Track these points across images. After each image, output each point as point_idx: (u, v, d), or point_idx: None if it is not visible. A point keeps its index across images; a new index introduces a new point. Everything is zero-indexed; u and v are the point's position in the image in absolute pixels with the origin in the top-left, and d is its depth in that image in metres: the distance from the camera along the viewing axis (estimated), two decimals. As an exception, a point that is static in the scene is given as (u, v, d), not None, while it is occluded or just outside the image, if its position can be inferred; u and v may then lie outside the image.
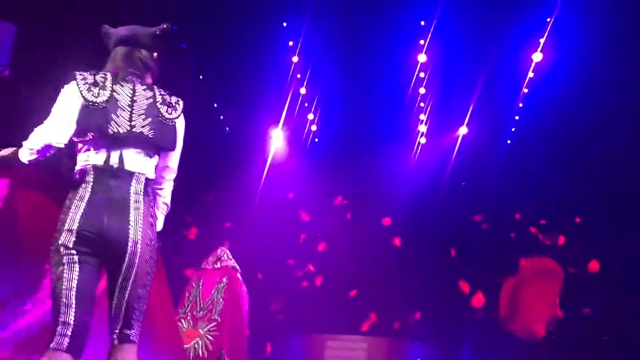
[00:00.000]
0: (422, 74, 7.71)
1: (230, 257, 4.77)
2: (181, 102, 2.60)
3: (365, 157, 8.09)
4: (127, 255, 2.36)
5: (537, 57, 7.28)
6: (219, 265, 4.70)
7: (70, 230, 2.33)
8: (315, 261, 8.01)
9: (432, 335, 7.42)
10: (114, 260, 2.38)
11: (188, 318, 4.51)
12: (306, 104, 7.98)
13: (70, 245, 2.33)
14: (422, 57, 7.53)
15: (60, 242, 2.34)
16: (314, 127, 8.21)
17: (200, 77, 6.71)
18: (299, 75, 7.68)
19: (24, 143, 2.46)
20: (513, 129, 7.99)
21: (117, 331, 2.39)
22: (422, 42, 7.40)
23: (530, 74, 7.47)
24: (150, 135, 2.46)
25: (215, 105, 7.39)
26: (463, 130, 8.01)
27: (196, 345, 4.43)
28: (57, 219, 2.40)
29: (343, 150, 8.13)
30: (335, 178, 8.00)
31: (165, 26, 2.64)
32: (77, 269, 2.32)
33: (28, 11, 5.82)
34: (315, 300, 7.69)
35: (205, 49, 7.06)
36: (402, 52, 7.49)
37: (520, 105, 7.78)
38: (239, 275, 4.73)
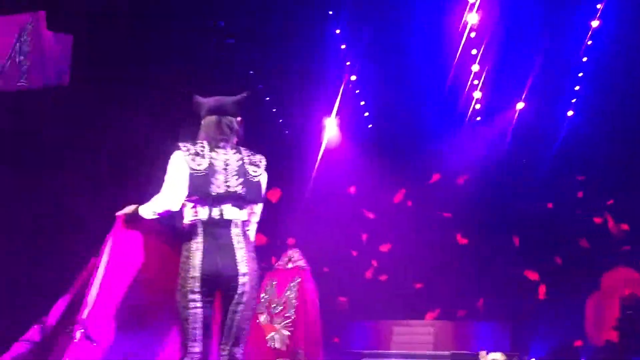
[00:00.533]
0: (474, 51, 7.52)
1: (301, 257, 5.00)
2: (264, 160, 3.13)
3: (420, 140, 7.96)
4: (239, 286, 2.94)
5: (595, 23, 7.05)
6: (290, 265, 4.95)
7: (194, 277, 2.90)
8: (378, 255, 7.96)
9: (501, 319, 7.30)
10: (229, 291, 2.95)
11: (265, 314, 4.87)
12: (357, 91, 7.91)
13: (197, 290, 2.90)
14: (473, 34, 7.35)
15: (188, 288, 2.90)
16: (366, 114, 8.14)
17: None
18: (348, 63, 7.61)
19: (147, 205, 3.05)
20: (574, 100, 7.73)
21: (228, 347, 2.96)
22: (474, 20, 7.21)
23: (589, 42, 7.21)
24: (242, 193, 3.01)
25: (268, 98, 7.43)
26: (520, 105, 7.80)
27: (273, 338, 4.78)
28: (172, 262, 2.99)
29: (397, 135, 8.02)
30: (392, 165, 7.90)
31: (245, 94, 3.17)
32: (200, 311, 2.90)
33: (83, 21, 5.96)
34: (379, 293, 7.66)
35: (252, 42, 7.09)
36: (452, 29, 7.32)
37: (580, 74, 7.51)
38: (309, 274, 4.94)
